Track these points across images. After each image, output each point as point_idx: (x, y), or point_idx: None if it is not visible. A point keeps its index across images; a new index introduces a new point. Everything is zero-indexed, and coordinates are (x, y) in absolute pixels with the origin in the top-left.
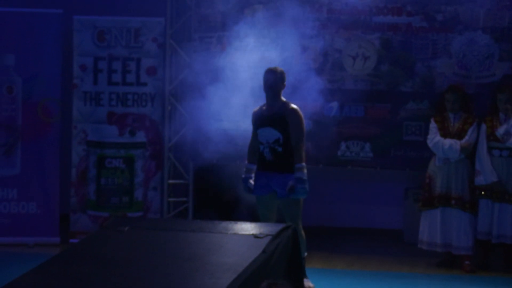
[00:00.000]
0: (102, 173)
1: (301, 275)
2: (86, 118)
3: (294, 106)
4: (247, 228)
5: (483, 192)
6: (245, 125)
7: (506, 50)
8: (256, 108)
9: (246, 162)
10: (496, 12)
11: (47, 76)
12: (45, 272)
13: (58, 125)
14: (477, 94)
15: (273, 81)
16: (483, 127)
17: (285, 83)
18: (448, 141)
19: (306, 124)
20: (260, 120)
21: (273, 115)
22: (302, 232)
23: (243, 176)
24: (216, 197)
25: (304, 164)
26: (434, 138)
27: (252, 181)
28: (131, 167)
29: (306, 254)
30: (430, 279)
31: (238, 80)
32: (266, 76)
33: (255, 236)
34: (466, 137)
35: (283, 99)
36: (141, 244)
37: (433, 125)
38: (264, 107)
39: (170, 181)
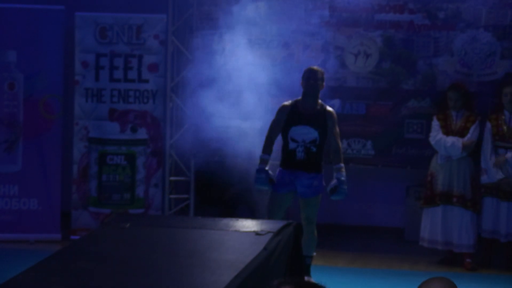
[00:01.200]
0: (104, 170)
1: (303, 272)
2: (87, 115)
3: (330, 108)
4: (248, 225)
5: (488, 190)
6: (247, 122)
7: (508, 48)
8: (287, 102)
9: (261, 153)
10: (498, 10)
11: (49, 73)
12: (46, 268)
13: (60, 122)
14: (479, 92)
15: (316, 81)
16: (488, 125)
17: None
18: (450, 139)
19: None
20: (297, 117)
21: (314, 115)
22: (315, 232)
23: (257, 167)
24: (217, 194)
25: (343, 164)
26: (436, 136)
27: (271, 172)
28: (133, 164)
29: (315, 253)
30: (431, 276)
31: (240, 77)
32: (308, 75)
33: (256, 233)
34: (468, 135)
35: (320, 101)
36: (142, 241)
37: (435, 123)
38: (299, 104)
39: (172, 178)
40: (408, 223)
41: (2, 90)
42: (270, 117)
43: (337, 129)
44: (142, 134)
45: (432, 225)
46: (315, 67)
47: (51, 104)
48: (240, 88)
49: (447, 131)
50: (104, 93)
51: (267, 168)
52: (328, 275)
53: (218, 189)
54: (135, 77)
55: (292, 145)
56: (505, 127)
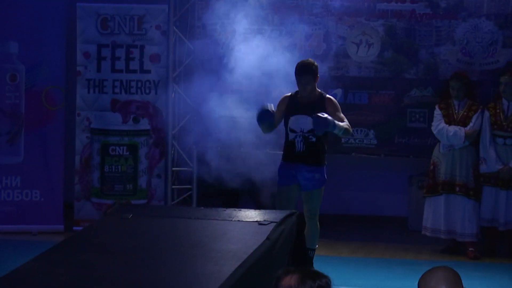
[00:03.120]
0: (106, 161)
1: (306, 262)
2: (89, 106)
3: (330, 96)
4: (251, 215)
5: (487, 179)
6: (249, 113)
7: (510, 37)
8: (287, 93)
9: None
10: None
11: (51, 64)
12: (49, 260)
13: (62, 113)
14: (481, 81)
15: (307, 82)
16: (486, 114)
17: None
18: (452, 128)
19: None
20: (294, 107)
21: (311, 103)
22: (318, 224)
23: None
24: (220, 185)
25: (345, 125)
26: (439, 125)
27: (272, 106)
28: (135, 155)
29: (317, 246)
30: (434, 265)
31: (242, 67)
32: (298, 77)
33: (259, 223)
34: (471, 124)
35: (318, 89)
36: (145, 232)
37: (437, 112)
38: (298, 95)
39: (174, 169)
40: (411, 213)
41: (4, 81)
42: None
43: (342, 115)
44: (144, 124)
45: (435, 214)
46: (306, 62)
47: (53, 95)
48: (243, 77)
49: (449, 121)
50: (106, 84)
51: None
52: (332, 264)
53: (220, 179)
54: (137, 67)
55: (291, 135)
56: (503, 116)
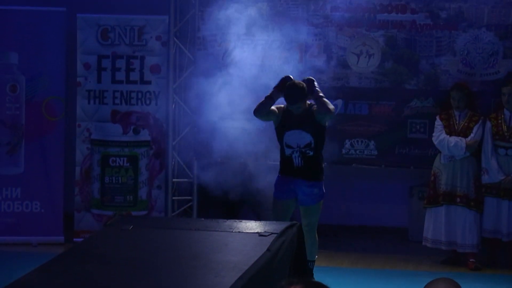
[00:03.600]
0: (106, 172)
1: (306, 273)
2: (90, 117)
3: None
4: (252, 226)
5: (488, 190)
6: (250, 123)
7: (511, 48)
8: (282, 105)
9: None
10: (501, 9)
11: (51, 75)
12: (49, 271)
13: (62, 124)
14: (482, 91)
15: (299, 98)
16: (488, 124)
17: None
18: (453, 139)
19: None
20: (289, 122)
21: (304, 118)
22: (316, 236)
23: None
24: (220, 196)
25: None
26: (440, 135)
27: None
28: (135, 166)
29: (316, 257)
30: (435, 276)
31: (242, 78)
32: (288, 99)
33: (259, 234)
34: (472, 135)
35: (308, 103)
36: (145, 243)
37: (438, 123)
38: (290, 109)
39: (175, 180)
40: (412, 223)
41: (4, 92)
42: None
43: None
44: (144, 135)
45: (436, 225)
46: (295, 85)
47: (53, 106)
48: (243, 89)
49: (450, 131)
50: (106, 95)
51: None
52: (332, 275)
53: (221, 190)
54: (137, 78)
55: (287, 151)
56: (505, 127)
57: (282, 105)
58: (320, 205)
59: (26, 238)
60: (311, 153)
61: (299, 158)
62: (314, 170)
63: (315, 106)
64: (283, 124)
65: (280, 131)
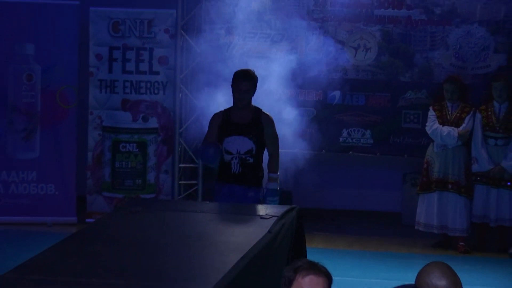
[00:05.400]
0: (117, 157)
1: (305, 254)
2: (101, 105)
3: (267, 112)
4: (254, 209)
5: (478, 178)
6: None
7: (501, 43)
8: (219, 112)
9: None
10: (492, 6)
11: (65, 65)
12: (63, 250)
13: (75, 111)
14: (473, 84)
15: (248, 86)
16: (478, 116)
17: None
18: (446, 128)
19: (309, 112)
20: (229, 128)
21: (247, 123)
22: None
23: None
24: None
25: (279, 174)
26: (433, 125)
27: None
28: (144, 151)
29: None
30: (427, 259)
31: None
32: (236, 87)
33: (261, 217)
34: (463, 125)
35: (253, 105)
36: (153, 224)
37: (431, 113)
38: (231, 113)
39: (181, 165)
40: (405, 208)
41: (20, 81)
42: (273, 106)
43: (276, 134)
44: (153, 123)
45: (428, 210)
46: (247, 71)
47: (67, 94)
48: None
49: (443, 121)
50: (117, 84)
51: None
52: (329, 257)
53: None
54: (146, 69)
55: (227, 157)
56: (494, 118)
57: (217, 113)
58: None
59: (41, 218)
60: (251, 160)
61: (238, 165)
62: (252, 177)
63: (264, 111)
64: (221, 131)
65: (219, 138)
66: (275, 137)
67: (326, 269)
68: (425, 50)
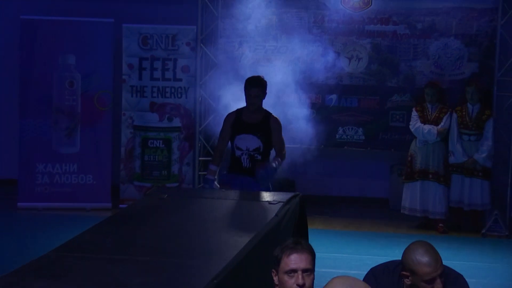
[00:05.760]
0: (146, 152)
1: (306, 234)
2: (132, 107)
3: (276, 116)
4: (263, 196)
5: (454, 168)
6: None
7: (474, 53)
8: (231, 112)
9: (210, 163)
10: (466, 22)
11: (101, 73)
12: (99, 231)
13: (110, 113)
14: (450, 88)
15: (258, 92)
16: (454, 116)
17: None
18: (427, 127)
19: (310, 112)
20: (240, 127)
21: (257, 124)
22: None
23: (206, 176)
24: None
25: (281, 161)
26: (415, 124)
27: (217, 184)
28: (169, 147)
29: None
30: (411, 238)
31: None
32: (248, 92)
33: (269, 202)
34: (442, 123)
35: (264, 108)
36: (177, 209)
37: (414, 114)
38: (242, 114)
39: (200, 158)
40: (392, 195)
41: (63, 87)
42: (279, 109)
43: (281, 137)
44: (176, 122)
45: (412, 196)
46: (257, 77)
47: (103, 98)
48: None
49: (424, 121)
50: (146, 90)
51: (215, 177)
52: (327, 237)
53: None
54: (171, 76)
55: (237, 152)
56: (468, 118)
57: (230, 113)
58: None
59: (81, 204)
60: (259, 157)
61: (248, 160)
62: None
63: (273, 115)
64: (234, 129)
65: (232, 135)
66: (281, 139)
67: (309, 245)
68: (408, 59)
